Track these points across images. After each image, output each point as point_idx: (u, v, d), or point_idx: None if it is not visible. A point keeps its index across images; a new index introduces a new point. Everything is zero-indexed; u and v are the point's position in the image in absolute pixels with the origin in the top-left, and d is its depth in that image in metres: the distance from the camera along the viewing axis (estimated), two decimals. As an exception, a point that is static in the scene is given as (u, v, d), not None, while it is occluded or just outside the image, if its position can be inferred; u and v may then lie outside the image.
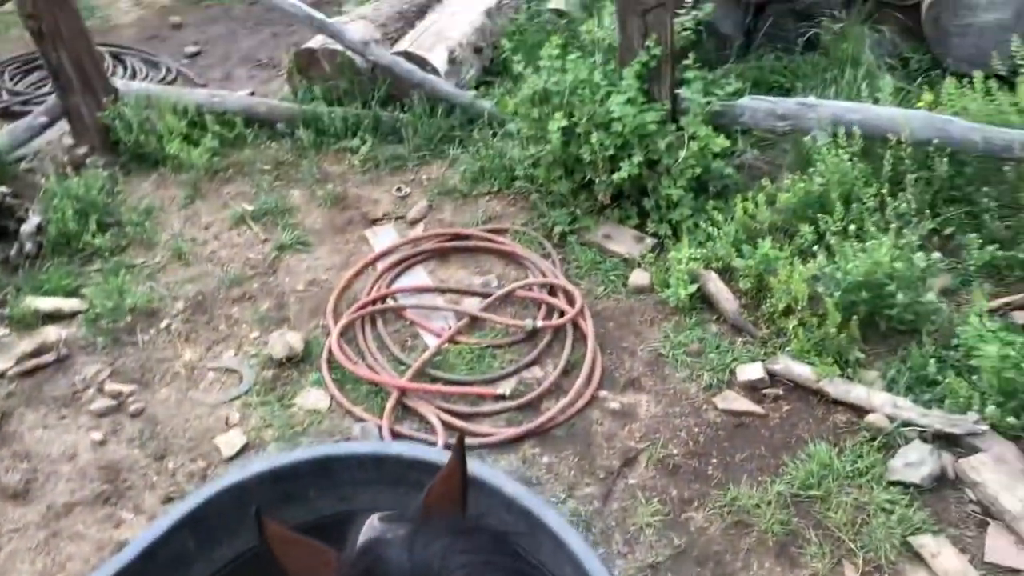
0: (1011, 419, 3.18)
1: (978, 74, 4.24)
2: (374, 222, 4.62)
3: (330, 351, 3.79)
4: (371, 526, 1.57)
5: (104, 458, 3.41)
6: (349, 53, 5.03)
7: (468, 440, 3.46)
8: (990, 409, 3.20)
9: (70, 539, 3.11)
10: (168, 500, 3.24)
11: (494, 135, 4.91)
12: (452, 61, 5.22)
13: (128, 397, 3.65)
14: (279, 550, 1.57)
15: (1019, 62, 4.22)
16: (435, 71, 5.07)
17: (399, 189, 4.77)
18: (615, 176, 4.18)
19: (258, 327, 4.01)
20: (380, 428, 3.47)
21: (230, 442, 3.43)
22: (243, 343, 3.93)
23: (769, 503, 3.12)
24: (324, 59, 5.17)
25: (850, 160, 4.03)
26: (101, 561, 2.91)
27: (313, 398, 3.65)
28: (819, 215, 3.94)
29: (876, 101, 4.38)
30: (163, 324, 4.03)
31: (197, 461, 3.40)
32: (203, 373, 3.79)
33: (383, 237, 4.49)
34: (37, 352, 3.80)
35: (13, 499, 3.26)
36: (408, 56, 5.07)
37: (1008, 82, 4.30)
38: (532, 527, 2.33)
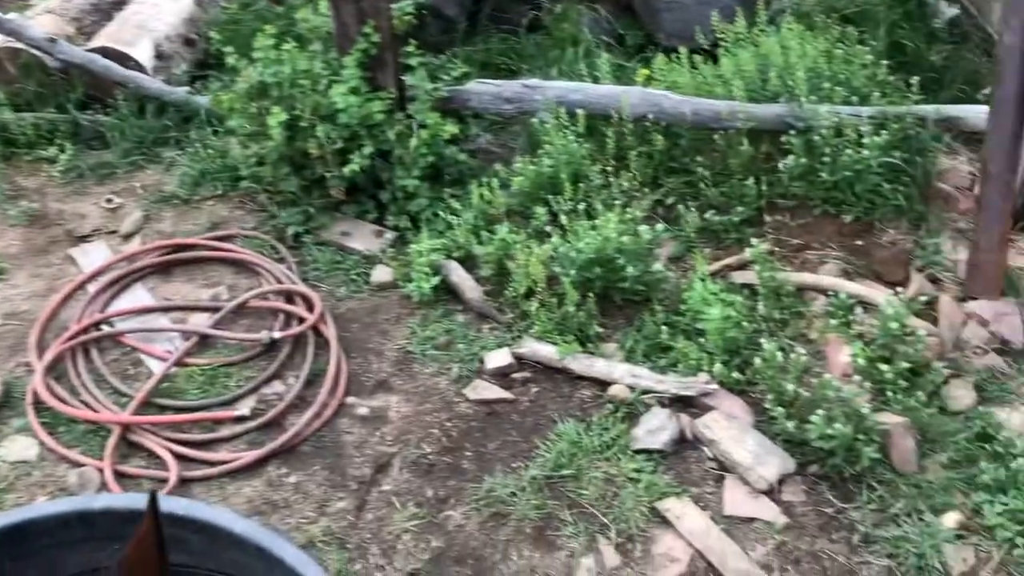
0: (736, 375, 3.36)
1: (683, 49, 4.46)
2: (82, 239, 4.14)
3: (35, 392, 3.34)
4: None
5: None
6: (35, 52, 4.47)
7: (207, 471, 3.19)
8: (718, 367, 3.37)
9: None
10: None
11: (215, 133, 4.56)
12: (159, 55, 4.78)
13: None
14: None
15: (719, 36, 4.50)
16: (140, 67, 4.62)
17: (109, 200, 4.31)
18: (346, 170, 4.00)
19: (-57, 374, 3.46)
20: (102, 472, 3.10)
21: (-88, 515, 2.92)
22: (-75, 395, 3.38)
23: (524, 489, 3.10)
24: (5, 59, 4.57)
25: (576, 140, 4.11)
26: None
27: (19, 447, 3.21)
28: (551, 196, 3.99)
29: (596, 80, 4.50)
30: None
31: None
32: None
33: (93, 255, 4.03)
34: None
35: None
36: (106, 52, 4.58)
37: (712, 55, 4.57)
38: (269, 565, 2.15)
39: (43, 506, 2.61)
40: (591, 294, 3.61)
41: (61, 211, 4.27)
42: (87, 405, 3.35)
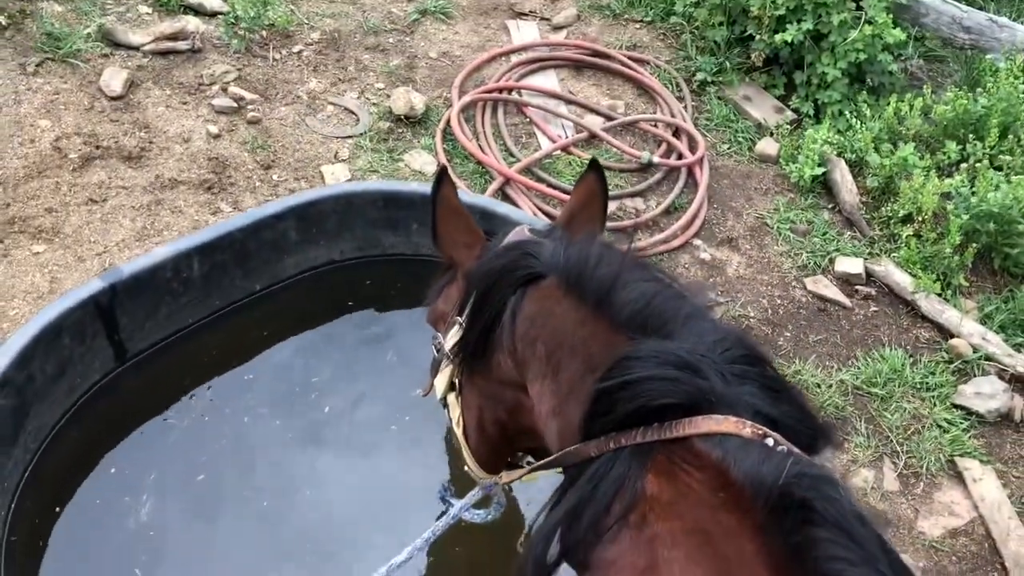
0: (1097, 384, 3.12)
1: None
2: (519, 15, 4.52)
3: (448, 122, 3.79)
4: (521, 231, 1.61)
5: (215, 151, 3.51)
6: None
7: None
8: (1079, 369, 3.14)
9: (170, 211, 3.24)
10: (266, 207, 3.34)
11: (666, -36, 4.70)
12: None
13: (249, 104, 3.72)
14: (441, 209, 1.64)
15: None
16: None
17: (552, -9, 4.64)
18: (777, 37, 4.01)
19: (385, 79, 4.01)
20: (477, 205, 3.51)
21: (335, 174, 3.50)
22: (367, 89, 3.95)
23: (830, 387, 3.14)
24: None
25: (1023, 92, 3.82)
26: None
27: (421, 160, 3.68)
28: (970, 136, 3.77)
29: (1072, 40, 4.10)
30: (296, 48, 4.04)
31: (300, 181, 3.48)
32: (323, 105, 3.83)
33: (524, 32, 4.40)
34: (174, 36, 3.85)
35: (127, 160, 3.38)
36: None
37: None
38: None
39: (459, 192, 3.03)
40: (973, 245, 3.44)
41: (511, -15, 4.66)
42: (482, 150, 3.75)
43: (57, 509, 2.13)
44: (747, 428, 1.11)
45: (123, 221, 3.19)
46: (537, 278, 1.49)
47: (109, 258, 3.06)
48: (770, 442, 1.10)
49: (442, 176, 1.65)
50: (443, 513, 2.03)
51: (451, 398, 1.84)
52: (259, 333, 2.56)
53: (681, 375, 1.16)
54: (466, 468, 1.91)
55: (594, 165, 1.71)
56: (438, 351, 1.82)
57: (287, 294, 2.60)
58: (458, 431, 1.88)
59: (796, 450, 1.10)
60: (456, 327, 1.71)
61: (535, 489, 2.19)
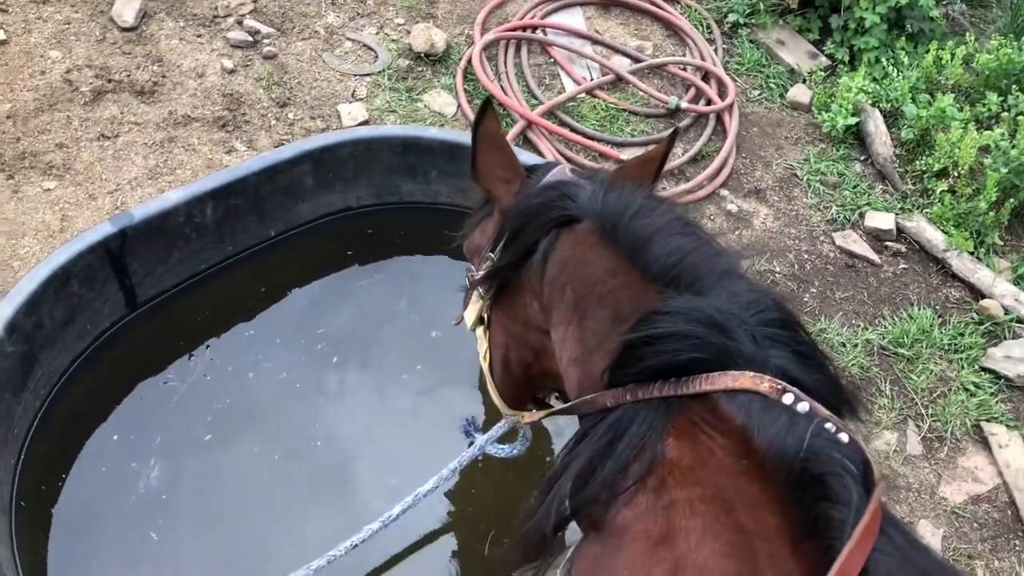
0: None
1: None
2: (545, -51, 4.33)
3: (469, 61, 3.66)
4: (561, 171, 1.54)
5: (230, 87, 3.41)
6: None
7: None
8: (1114, 335, 3.05)
9: (184, 148, 3.16)
10: (280, 145, 3.25)
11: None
12: None
13: (264, 38, 3.59)
14: (483, 142, 1.57)
15: None
16: None
17: (581, -77, 4.43)
18: (815, -22, 3.84)
19: (404, 14, 3.86)
20: (498, 149, 3.40)
21: (352, 113, 3.39)
22: (386, 25, 3.81)
23: (856, 346, 3.06)
24: None
25: (1071, 42, 3.65)
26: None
27: (441, 101, 3.56)
28: (1014, 88, 3.62)
29: None
30: (313, -20, 3.90)
31: (316, 120, 3.38)
32: (341, 40, 3.70)
33: (550, -33, 4.22)
34: (187, -35, 3.71)
35: (139, 95, 3.29)
36: None
37: None
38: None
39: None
40: (1010, 201, 3.32)
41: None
42: (503, 91, 3.63)
43: (63, 476, 2.07)
44: (765, 383, 1.07)
45: (135, 158, 3.11)
46: (572, 221, 1.43)
47: (121, 196, 2.99)
48: (789, 398, 1.06)
49: (486, 108, 1.57)
50: (469, 445, 2.00)
51: (479, 332, 1.82)
52: (265, 285, 2.49)
53: (709, 333, 1.12)
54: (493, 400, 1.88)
55: (673, 135, 1.64)
56: (469, 283, 1.78)
57: (300, 241, 2.53)
58: (484, 365, 1.87)
59: (820, 409, 1.05)
60: (488, 263, 1.67)
61: (564, 421, 2.13)
